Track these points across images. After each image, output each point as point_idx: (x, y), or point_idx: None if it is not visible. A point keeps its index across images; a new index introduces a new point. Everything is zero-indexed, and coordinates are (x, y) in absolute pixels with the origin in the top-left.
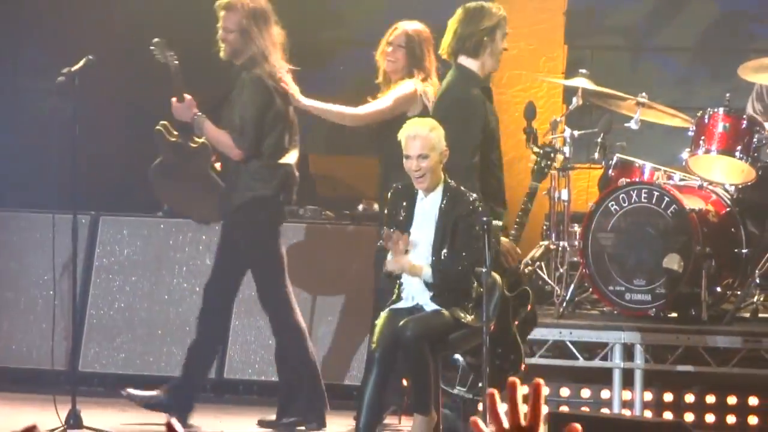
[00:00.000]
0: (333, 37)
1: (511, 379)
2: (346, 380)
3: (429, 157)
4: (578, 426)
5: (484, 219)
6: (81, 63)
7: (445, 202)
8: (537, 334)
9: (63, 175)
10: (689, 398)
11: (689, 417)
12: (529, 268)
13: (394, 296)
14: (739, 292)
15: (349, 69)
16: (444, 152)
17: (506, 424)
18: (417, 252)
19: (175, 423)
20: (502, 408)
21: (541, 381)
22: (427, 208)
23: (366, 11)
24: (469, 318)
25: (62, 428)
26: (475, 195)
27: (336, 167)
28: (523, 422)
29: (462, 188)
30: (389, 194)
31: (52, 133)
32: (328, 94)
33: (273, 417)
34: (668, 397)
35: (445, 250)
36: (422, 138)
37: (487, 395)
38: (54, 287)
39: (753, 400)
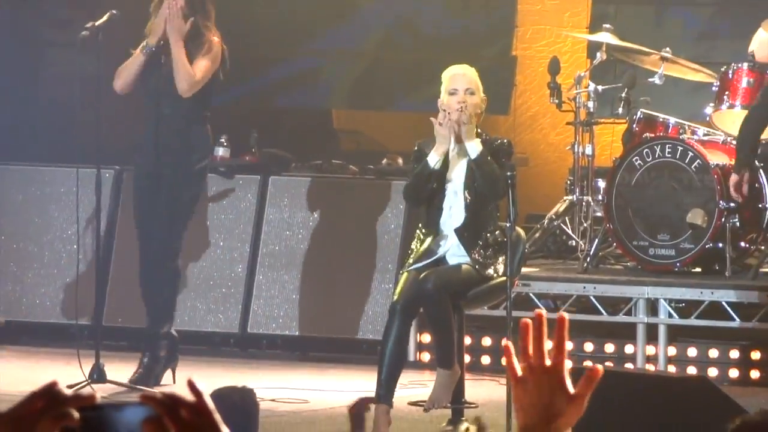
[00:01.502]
0: None
1: (538, 311)
2: (369, 334)
3: (475, 94)
4: (600, 367)
5: (509, 174)
6: (105, 17)
7: (485, 149)
8: (561, 288)
9: (87, 130)
10: (713, 353)
11: (713, 372)
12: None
13: (415, 252)
14: (762, 247)
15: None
16: (484, 101)
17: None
18: (450, 197)
19: (196, 382)
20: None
21: (566, 315)
22: (461, 154)
23: None
24: (497, 274)
25: (86, 382)
26: (508, 141)
27: (359, 122)
28: (548, 361)
29: (493, 136)
30: (415, 149)
31: (76, 87)
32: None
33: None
34: (692, 352)
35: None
36: (470, 76)
37: (524, 326)
38: (78, 241)
39: None
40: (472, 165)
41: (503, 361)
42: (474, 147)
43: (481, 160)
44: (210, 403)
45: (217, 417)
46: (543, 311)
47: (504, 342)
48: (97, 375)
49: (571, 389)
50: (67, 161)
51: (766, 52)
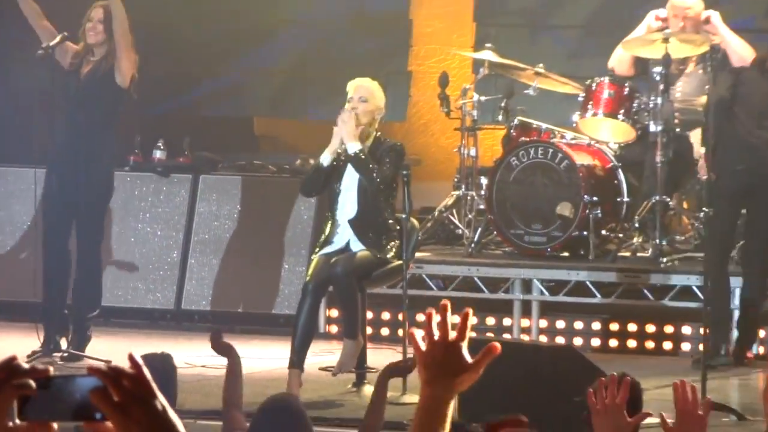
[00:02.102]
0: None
1: (443, 302)
2: (285, 310)
3: (367, 102)
4: (498, 345)
5: (405, 173)
6: (58, 39)
7: (372, 145)
8: (449, 270)
9: (43, 136)
10: (578, 325)
11: (578, 341)
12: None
13: (323, 239)
14: (621, 235)
15: (286, 46)
16: (380, 110)
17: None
18: (344, 192)
19: (136, 355)
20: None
21: (470, 310)
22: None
23: None
24: (394, 259)
25: (40, 353)
26: (401, 143)
27: (277, 129)
28: (452, 337)
29: (390, 140)
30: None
31: (35, 98)
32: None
33: None
34: (560, 324)
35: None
36: (366, 86)
37: (430, 316)
38: (37, 230)
39: (632, 326)
40: (350, 161)
41: (400, 332)
42: (353, 146)
43: (355, 158)
44: (147, 374)
45: (154, 386)
46: (447, 303)
47: (411, 330)
48: (54, 346)
49: (468, 359)
50: (27, 163)
51: (624, 68)
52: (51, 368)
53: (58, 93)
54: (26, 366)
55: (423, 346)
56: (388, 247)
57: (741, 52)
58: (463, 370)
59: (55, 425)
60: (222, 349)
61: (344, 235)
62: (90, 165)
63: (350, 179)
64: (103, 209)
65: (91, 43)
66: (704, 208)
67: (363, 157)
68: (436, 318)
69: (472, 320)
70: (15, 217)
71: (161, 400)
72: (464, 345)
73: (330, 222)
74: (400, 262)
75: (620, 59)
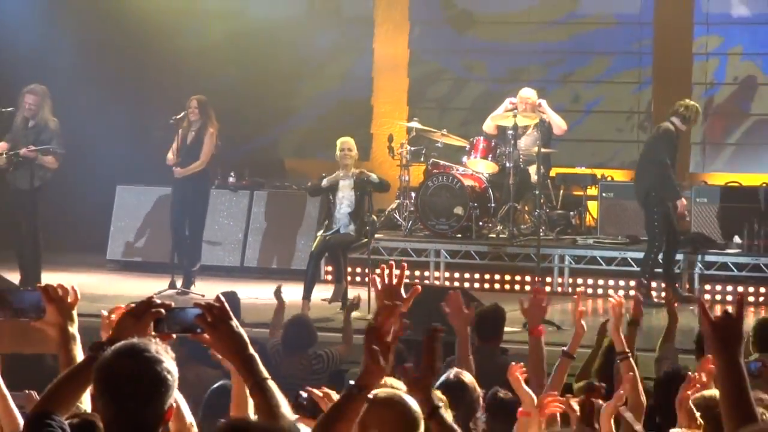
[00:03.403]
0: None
1: (390, 263)
2: (302, 266)
3: (352, 150)
4: (420, 287)
5: (369, 190)
6: (181, 115)
7: (357, 178)
8: (393, 244)
9: (169, 170)
10: (466, 275)
11: (467, 285)
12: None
13: (324, 228)
14: (490, 225)
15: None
16: (356, 154)
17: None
18: (340, 200)
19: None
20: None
21: (405, 265)
22: (347, 183)
23: None
24: (365, 237)
25: (166, 291)
26: (374, 175)
27: (301, 165)
28: (395, 282)
29: (365, 172)
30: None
31: (165, 144)
32: None
33: None
34: (456, 275)
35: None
36: (349, 142)
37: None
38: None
39: (497, 276)
40: (354, 183)
41: (367, 279)
42: (353, 174)
43: (357, 181)
44: (225, 304)
45: (229, 311)
46: (393, 263)
47: (373, 276)
48: (173, 287)
49: (404, 295)
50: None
51: (491, 131)
52: (172, 303)
53: (178, 145)
54: (158, 301)
55: (379, 286)
56: (362, 230)
57: (558, 123)
58: (401, 300)
59: (174, 336)
60: (277, 295)
61: (337, 225)
62: (195, 184)
63: (345, 192)
64: (204, 210)
65: (192, 119)
66: (537, 210)
67: (359, 181)
68: (388, 272)
69: (407, 273)
70: (158, 217)
71: (235, 320)
72: (401, 287)
73: (328, 218)
74: (367, 239)
75: (488, 126)
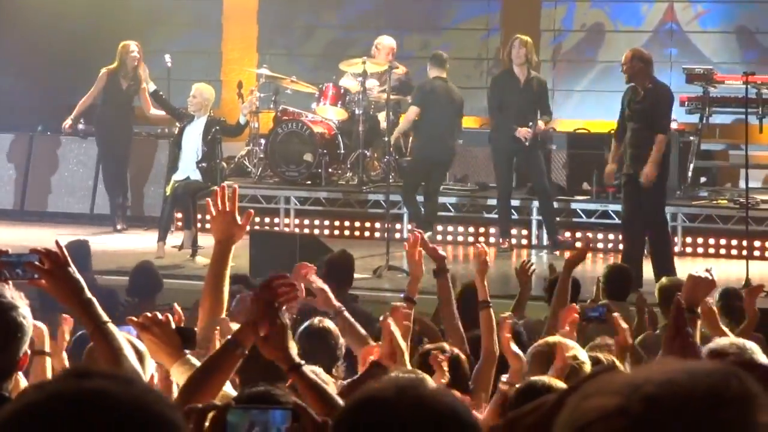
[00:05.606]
0: None
1: (222, 185)
2: (156, 212)
3: (197, 98)
4: (252, 212)
5: (218, 137)
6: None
7: (208, 118)
8: (243, 191)
9: None
10: (316, 222)
11: (316, 231)
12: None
13: (174, 174)
14: (339, 172)
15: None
16: (209, 100)
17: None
18: (186, 149)
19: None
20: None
21: (236, 186)
22: (195, 128)
23: None
24: (211, 183)
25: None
26: (221, 118)
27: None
28: (228, 208)
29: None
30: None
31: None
32: None
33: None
34: (306, 222)
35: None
36: (197, 89)
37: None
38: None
39: (347, 223)
40: (203, 129)
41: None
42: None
43: (205, 127)
44: (65, 252)
45: (69, 259)
46: (234, 187)
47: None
48: None
49: (239, 223)
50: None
51: (351, 83)
52: (9, 249)
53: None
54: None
55: (213, 212)
56: (210, 177)
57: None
58: (237, 229)
59: (10, 282)
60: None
61: (185, 171)
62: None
63: (190, 140)
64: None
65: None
66: (386, 157)
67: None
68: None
69: (251, 215)
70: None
71: (72, 266)
72: (236, 214)
73: (176, 164)
74: (216, 186)
75: (347, 78)
